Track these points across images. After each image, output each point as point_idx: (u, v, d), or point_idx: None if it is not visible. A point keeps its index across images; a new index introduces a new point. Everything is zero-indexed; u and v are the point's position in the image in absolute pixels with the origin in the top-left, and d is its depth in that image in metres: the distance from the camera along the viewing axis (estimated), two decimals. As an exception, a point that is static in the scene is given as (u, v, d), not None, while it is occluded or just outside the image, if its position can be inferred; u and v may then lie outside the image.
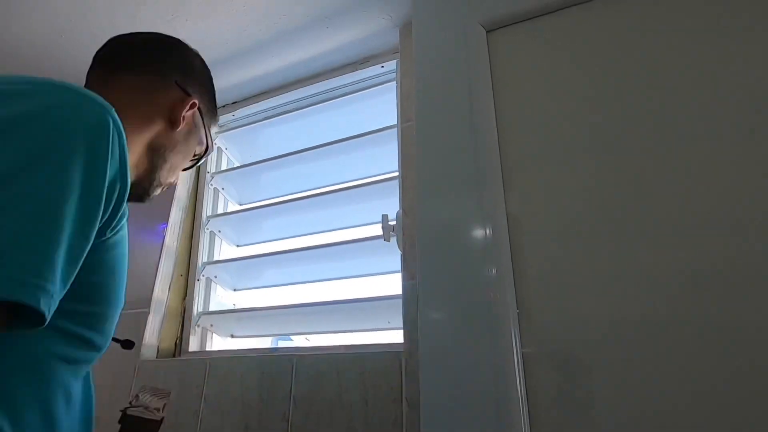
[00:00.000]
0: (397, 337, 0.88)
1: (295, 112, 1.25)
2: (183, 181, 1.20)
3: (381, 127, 1.08)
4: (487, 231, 0.67)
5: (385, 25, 1.07)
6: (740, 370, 0.47)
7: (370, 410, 0.75)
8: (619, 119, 0.64)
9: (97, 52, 0.60)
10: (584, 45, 0.72)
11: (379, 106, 1.19)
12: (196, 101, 0.60)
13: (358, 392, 0.77)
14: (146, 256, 1.11)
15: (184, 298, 1.13)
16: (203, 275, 1.16)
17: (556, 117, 0.70)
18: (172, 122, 0.58)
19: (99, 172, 0.40)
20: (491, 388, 0.57)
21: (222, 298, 1.21)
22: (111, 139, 0.41)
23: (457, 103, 0.84)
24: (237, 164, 1.33)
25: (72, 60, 1.13)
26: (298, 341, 1.15)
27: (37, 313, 0.34)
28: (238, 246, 1.29)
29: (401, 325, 0.84)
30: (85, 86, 0.55)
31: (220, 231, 1.24)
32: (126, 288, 0.52)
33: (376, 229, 0.95)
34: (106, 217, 0.42)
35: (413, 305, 0.82)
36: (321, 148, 1.15)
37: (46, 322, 0.35)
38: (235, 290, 1.24)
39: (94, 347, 0.47)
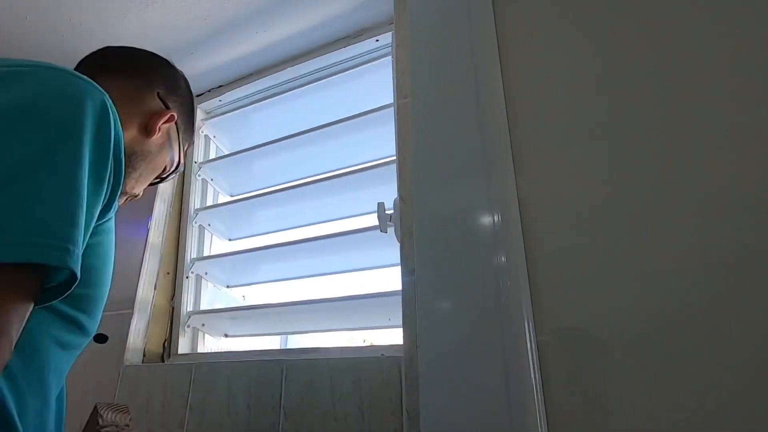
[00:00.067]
0: (399, 335, 0.80)
1: (287, 94, 1.16)
2: (167, 172, 1.12)
3: (379, 106, 0.99)
4: (496, 218, 0.59)
5: (378, -9, 0.96)
6: (764, 361, 0.43)
7: (366, 423, 0.67)
8: (643, 95, 0.56)
9: (87, 56, 0.62)
10: (607, 10, 0.62)
11: (376, 84, 1.09)
12: (175, 115, 0.61)
13: (353, 403, 0.69)
14: (129, 254, 1.04)
15: (172, 297, 1.06)
16: (192, 272, 1.09)
17: (573, 92, 0.62)
18: (148, 130, 0.58)
19: (105, 153, 0.42)
20: (500, 381, 0.51)
21: (229, 292, 1.15)
22: (113, 122, 0.43)
23: (459, 75, 0.74)
24: (226, 153, 1.24)
25: (37, 41, 1.05)
26: (293, 342, 1.08)
27: (66, 281, 0.38)
28: (230, 240, 1.21)
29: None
30: None
31: (209, 225, 1.16)
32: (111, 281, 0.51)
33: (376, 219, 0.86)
34: (107, 198, 0.44)
35: (413, 303, 0.73)
36: (314, 132, 1.06)
37: (77, 282, 0.38)
38: (228, 287, 1.16)
39: (84, 331, 0.48)
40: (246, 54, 1.10)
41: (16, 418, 0.39)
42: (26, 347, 0.41)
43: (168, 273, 1.07)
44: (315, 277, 1.13)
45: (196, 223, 1.14)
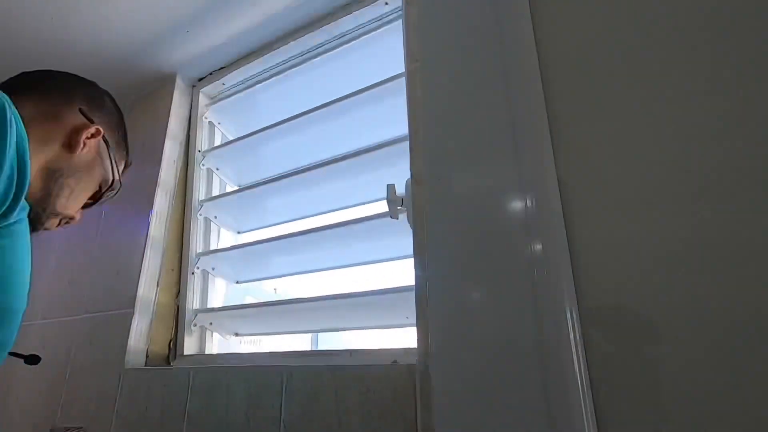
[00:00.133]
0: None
1: (293, 70, 1.05)
2: (168, 163, 1.06)
3: (391, 76, 0.87)
4: (529, 201, 0.48)
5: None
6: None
7: (374, 443, 0.56)
8: (706, 51, 0.45)
9: (3, 82, 0.60)
10: None
11: (390, 53, 0.97)
12: (101, 129, 0.61)
13: (360, 418, 0.59)
14: (129, 250, 0.98)
15: (177, 295, 1.00)
16: (198, 268, 1.02)
17: (623, 50, 0.50)
18: (71, 145, 0.57)
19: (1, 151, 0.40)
20: (537, 387, 0.43)
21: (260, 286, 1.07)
22: (10, 123, 0.41)
23: (480, 29, 0.61)
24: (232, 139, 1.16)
25: (29, 27, 1.00)
26: (294, 343, 0.99)
27: None
28: (238, 233, 1.13)
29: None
30: None
31: (216, 217, 1.09)
32: (29, 292, 0.47)
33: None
34: (6, 201, 0.41)
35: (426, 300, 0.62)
36: (324, 109, 0.95)
37: None
38: (237, 282, 1.09)
39: None
40: (245, 28, 1.00)
41: None
42: None
43: (172, 269, 1.00)
44: (331, 270, 1.03)
45: (201, 215, 1.07)
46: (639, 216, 0.45)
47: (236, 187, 1.14)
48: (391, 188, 0.72)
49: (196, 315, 0.98)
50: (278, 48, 1.04)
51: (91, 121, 0.60)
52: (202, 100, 1.15)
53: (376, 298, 0.80)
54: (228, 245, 1.07)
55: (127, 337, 0.88)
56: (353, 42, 0.98)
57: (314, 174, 0.95)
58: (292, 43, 1.02)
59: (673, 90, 0.46)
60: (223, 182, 1.15)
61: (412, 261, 0.92)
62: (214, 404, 0.72)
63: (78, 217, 0.64)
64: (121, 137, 0.67)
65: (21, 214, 0.45)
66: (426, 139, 0.59)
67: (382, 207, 0.92)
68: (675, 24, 0.48)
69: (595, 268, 0.45)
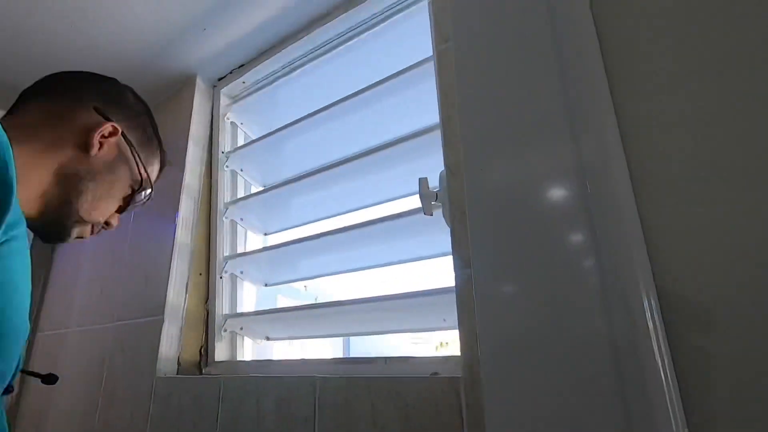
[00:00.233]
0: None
1: (315, 62, 1.01)
2: (192, 167, 1.03)
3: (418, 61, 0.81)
4: (589, 186, 0.41)
5: None
6: None
7: (417, 464, 0.51)
8: None
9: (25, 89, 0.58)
10: None
11: (414, 37, 0.90)
12: (118, 127, 0.57)
13: (400, 435, 0.54)
14: (157, 258, 0.96)
15: (206, 300, 0.98)
16: (226, 272, 1.00)
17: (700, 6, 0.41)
18: (85, 146, 0.54)
19: None
20: (612, 387, 0.36)
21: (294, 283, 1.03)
22: None
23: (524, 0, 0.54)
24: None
25: (48, 35, 0.99)
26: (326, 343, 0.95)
27: None
28: (265, 234, 1.10)
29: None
30: None
31: (242, 219, 1.06)
32: (30, 311, 0.43)
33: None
34: None
35: (471, 303, 0.56)
36: (350, 101, 0.90)
37: None
38: (266, 285, 1.06)
39: None
40: (263, 22, 0.96)
41: None
42: None
43: (200, 274, 0.98)
44: (362, 271, 0.99)
45: (227, 218, 1.04)
46: (722, 197, 0.38)
47: (261, 188, 1.11)
48: (423, 182, 0.66)
49: (226, 320, 0.96)
50: (296, 41, 0.99)
51: (107, 119, 0.56)
52: (223, 100, 1.12)
53: (412, 301, 0.74)
54: (255, 248, 1.04)
55: (158, 345, 0.86)
56: (376, 28, 0.92)
57: (340, 170, 0.90)
58: (311, 35, 0.97)
59: (761, 52, 0.39)
60: (248, 183, 1.12)
61: (443, 259, 0.87)
62: (245, 415, 0.69)
63: (115, 222, 0.61)
64: (147, 133, 0.63)
65: (11, 232, 0.40)
66: (462, 126, 0.53)
67: (408, 204, 0.87)
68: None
69: (676, 253, 0.39)
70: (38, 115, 0.52)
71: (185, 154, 1.02)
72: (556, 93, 0.46)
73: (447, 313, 0.74)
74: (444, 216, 0.64)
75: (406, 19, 0.89)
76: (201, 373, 0.91)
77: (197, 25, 0.95)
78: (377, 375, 0.60)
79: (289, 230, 1.08)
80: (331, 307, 0.84)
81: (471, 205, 0.51)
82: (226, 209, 1.04)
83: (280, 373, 0.78)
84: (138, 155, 0.59)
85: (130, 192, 0.60)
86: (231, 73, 1.10)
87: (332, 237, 0.88)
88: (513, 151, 0.49)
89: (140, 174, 0.60)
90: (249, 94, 1.10)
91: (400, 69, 0.84)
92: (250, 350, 0.99)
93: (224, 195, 1.06)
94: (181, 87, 1.13)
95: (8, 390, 0.46)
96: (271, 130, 1.05)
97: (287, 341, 1.08)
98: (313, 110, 0.95)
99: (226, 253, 1.02)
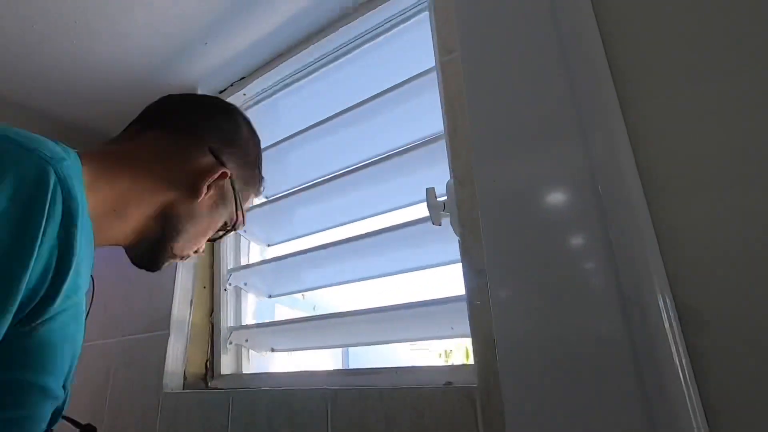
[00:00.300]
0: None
1: (316, 75, 1.01)
2: (194, 177, 1.03)
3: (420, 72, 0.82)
4: (601, 188, 0.42)
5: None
6: None
7: (434, 476, 0.51)
8: None
9: (146, 107, 0.58)
10: None
11: (414, 50, 0.92)
12: (228, 172, 0.55)
13: (415, 445, 0.54)
14: (161, 271, 0.95)
15: (211, 313, 0.97)
16: (230, 284, 0.99)
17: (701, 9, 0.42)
18: (194, 191, 0.52)
19: (30, 235, 0.34)
20: (633, 388, 0.37)
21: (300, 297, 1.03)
22: (50, 197, 0.35)
23: (529, 7, 0.55)
24: (257, 150, 1.13)
25: (48, 48, 0.99)
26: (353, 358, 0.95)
27: None
28: (268, 246, 1.10)
29: (467, 331, 0.59)
30: (112, 139, 0.54)
31: (245, 231, 1.06)
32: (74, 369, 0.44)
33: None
34: (41, 294, 0.35)
35: (484, 311, 0.56)
36: (351, 112, 0.91)
37: None
38: (270, 297, 1.06)
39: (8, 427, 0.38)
40: (264, 34, 0.97)
41: None
42: None
43: (204, 287, 0.98)
44: (365, 281, 0.99)
45: (230, 229, 1.04)
46: (734, 195, 0.39)
47: (264, 200, 1.11)
48: (431, 192, 0.66)
49: (231, 333, 0.95)
50: (296, 54, 1.00)
51: (222, 164, 0.54)
52: (251, 200, 1.12)
53: (421, 310, 0.74)
54: (258, 259, 1.04)
55: (164, 359, 0.86)
56: (376, 40, 0.93)
57: (343, 181, 0.91)
58: (311, 48, 0.98)
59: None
60: (251, 194, 1.12)
61: (446, 268, 0.87)
62: (255, 430, 0.69)
63: (202, 249, 0.60)
64: (253, 170, 0.62)
65: (68, 302, 0.38)
66: (473, 134, 0.54)
67: (411, 213, 0.88)
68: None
69: (689, 253, 0.39)
70: (153, 149, 0.51)
71: (187, 167, 1.02)
72: (563, 98, 0.47)
73: (455, 321, 0.74)
74: (452, 225, 0.65)
75: (404, 32, 0.90)
76: (207, 387, 0.90)
77: (199, 38, 0.96)
78: (390, 386, 0.60)
79: (292, 241, 1.08)
80: (337, 317, 0.84)
81: (484, 212, 0.51)
82: (229, 221, 1.03)
83: (288, 385, 0.77)
84: (239, 198, 0.58)
85: (223, 228, 0.59)
86: (232, 85, 1.10)
87: (335, 248, 0.88)
88: (524, 158, 0.49)
89: (237, 214, 0.59)
90: (250, 107, 1.11)
91: (400, 81, 0.84)
92: (251, 362, 0.99)
93: (227, 207, 1.06)
94: (181, 100, 1.14)
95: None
96: (273, 142, 1.05)
97: (286, 352, 1.08)
98: (313, 122, 0.96)
99: (230, 266, 1.01)
